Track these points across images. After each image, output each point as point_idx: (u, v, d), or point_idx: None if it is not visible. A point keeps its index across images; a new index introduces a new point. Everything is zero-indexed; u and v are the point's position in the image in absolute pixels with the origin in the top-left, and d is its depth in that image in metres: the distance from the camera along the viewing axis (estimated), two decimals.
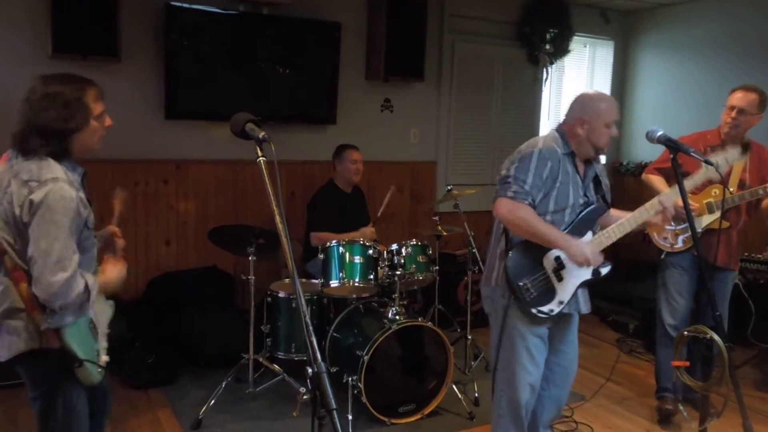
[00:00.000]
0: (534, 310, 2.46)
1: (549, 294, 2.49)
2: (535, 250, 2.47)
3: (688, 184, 2.69)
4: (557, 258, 2.50)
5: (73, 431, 2.05)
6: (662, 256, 3.51)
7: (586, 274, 2.54)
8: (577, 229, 2.51)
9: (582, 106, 2.51)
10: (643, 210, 2.57)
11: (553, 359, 2.67)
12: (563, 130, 2.55)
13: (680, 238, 3.45)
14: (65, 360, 1.92)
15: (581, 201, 2.54)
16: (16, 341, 1.92)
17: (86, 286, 1.91)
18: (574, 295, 2.55)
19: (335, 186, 4.24)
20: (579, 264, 2.44)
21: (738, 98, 3.33)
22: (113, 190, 2.42)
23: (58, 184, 1.85)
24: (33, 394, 2.03)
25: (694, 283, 3.46)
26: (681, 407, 3.50)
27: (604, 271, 2.56)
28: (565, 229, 2.49)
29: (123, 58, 4.01)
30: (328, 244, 3.53)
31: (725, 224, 3.24)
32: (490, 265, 2.62)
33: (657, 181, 3.47)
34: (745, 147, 2.79)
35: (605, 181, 2.67)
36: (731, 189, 3.29)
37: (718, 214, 3.26)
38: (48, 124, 1.89)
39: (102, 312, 2.16)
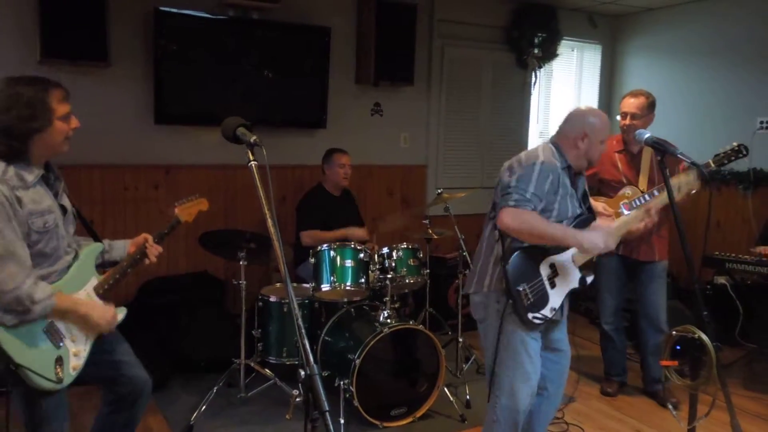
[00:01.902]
0: (530, 316, 2.48)
1: (543, 300, 2.53)
2: (533, 256, 2.50)
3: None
4: (552, 265, 2.55)
5: (44, 428, 2.04)
6: (593, 260, 3.65)
7: (574, 282, 2.61)
8: None
9: (582, 121, 2.55)
10: (630, 219, 2.69)
11: (547, 360, 2.69)
12: (559, 144, 2.58)
13: None
14: (5, 362, 1.91)
15: (578, 212, 2.59)
16: None
17: (35, 298, 1.89)
18: (563, 302, 2.61)
19: (323, 189, 4.26)
20: (596, 252, 2.47)
21: (628, 104, 3.60)
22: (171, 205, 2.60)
23: None
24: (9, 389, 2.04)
25: (620, 280, 3.80)
26: (669, 407, 3.59)
27: (589, 280, 2.65)
28: None
29: (112, 63, 4.00)
30: (319, 248, 3.54)
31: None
32: (482, 272, 2.62)
33: None
34: (703, 177, 2.95)
35: (588, 193, 2.73)
36: (641, 188, 3.56)
37: (633, 214, 3.40)
38: (9, 124, 1.93)
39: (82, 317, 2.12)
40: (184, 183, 4.45)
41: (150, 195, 4.34)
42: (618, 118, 3.68)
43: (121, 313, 2.26)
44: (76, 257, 2.19)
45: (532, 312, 2.49)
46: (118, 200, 4.21)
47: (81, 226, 2.32)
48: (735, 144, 3.32)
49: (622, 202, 3.58)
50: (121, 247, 2.37)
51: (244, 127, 1.82)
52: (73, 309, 2.07)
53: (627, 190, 3.61)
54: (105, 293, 2.25)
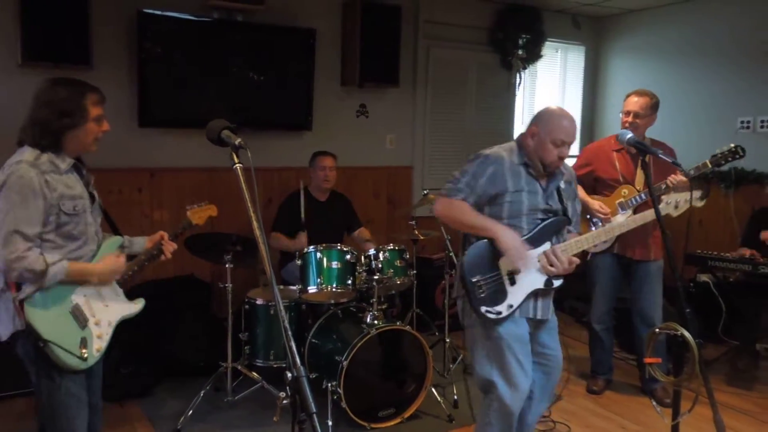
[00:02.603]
0: (483, 309, 2.46)
1: (500, 296, 2.50)
2: (492, 250, 2.48)
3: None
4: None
5: (60, 415, 2.14)
6: (588, 258, 3.80)
7: (538, 282, 2.55)
8: (536, 238, 2.53)
9: (537, 117, 2.57)
10: (590, 237, 2.63)
11: (538, 359, 2.68)
12: (521, 140, 2.61)
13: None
14: (33, 338, 2.03)
15: (542, 208, 2.56)
16: (6, 321, 2.08)
17: (44, 265, 2.02)
18: (526, 300, 2.55)
19: (307, 192, 4.23)
20: (508, 254, 2.43)
21: (633, 103, 3.59)
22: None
23: (19, 165, 2.05)
24: (31, 378, 2.14)
25: (614, 280, 3.81)
26: (653, 402, 3.64)
27: (557, 283, 2.57)
28: (523, 237, 2.50)
29: (95, 66, 3.96)
30: (306, 250, 3.53)
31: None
32: (459, 275, 2.60)
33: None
34: (705, 193, 3.17)
35: (571, 196, 2.69)
36: (638, 187, 3.58)
37: (629, 212, 3.53)
38: (47, 119, 2.11)
39: (104, 302, 2.26)
40: (169, 186, 4.43)
41: (134, 198, 4.31)
42: (620, 116, 3.66)
43: (139, 304, 2.43)
44: (99, 246, 2.31)
45: (486, 306, 2.46)
46: (103, 204, 4.17)
47: (105, 222, 2.47)
48: (732, 145, 3.36)
49: (617, 201, 3.59)
50: (141, 243, 2.53)
51: (228, 130, 1.81)
52: (86, 272, 2.19)
53: (623, 190, 3.61)
54: (123, 283, 2.40)
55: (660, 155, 2.40)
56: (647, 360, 2.26)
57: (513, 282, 2.52)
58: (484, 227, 2.47)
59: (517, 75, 5.82)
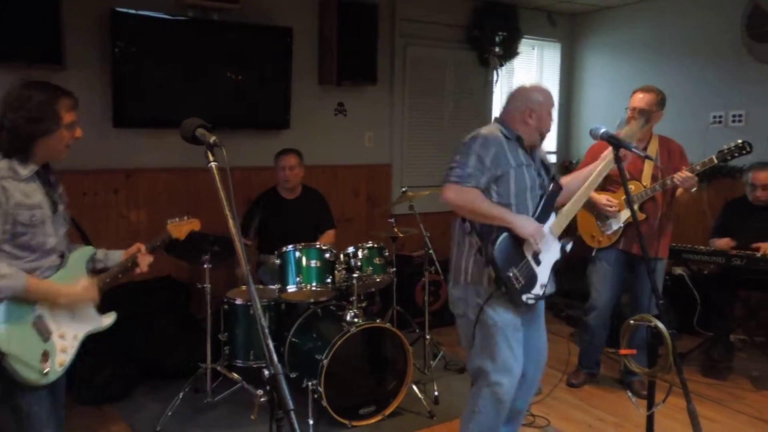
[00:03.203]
0: (524, 297, 2.51)
1: (533, 279, 2.56)
2: (515, 239, 2.51)
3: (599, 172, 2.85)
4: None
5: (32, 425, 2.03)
6: (593, 253, 3.80)
7: (556, 253, 2.65)
8: (542, 214, 2.59)
9: (526, 98, 2.62)
10: (595, 178, 2.70)
11: (527, 345, 2.70)
12: (504, 120, 2.64)
13: (607, 233, 3.71)
14: None
15: (538, 183, 2.62)
16: None
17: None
18: (550, 276, 2.65)
19: (275, 192, 4.21)
20: (526, 237, 2.50)
21: (639, 99, 3.60)
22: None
23: None
24: None
25: (618, 276, 3.76)
26: (629, 393, 3.68)
27: (569, 247, 2.67)
28: (532, 215, 2.56)
29: (68, 66, 3.91)
30: (284, 249, 3.52)
31: (641, 216, 3.52)
32: (457, 265, 2.63)
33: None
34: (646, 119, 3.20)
35: (549, 162, 2.78)
36: (644, 183, 3.57)
37: (635, 207, 3.47)
38: (17, 124, 2.00)
39: (71, 313, 2.15)
40: (145, 187, 4.39)
41: (109, 200, 4.26)
42: (626, 111, 3.66)
43: (109, 318, 2.31)
44: (66, 260, 2.19)
45: (525, 294, 2.52)
46: (77, 206, 4.06)
47: (76, 233, 2.38)
48: (740, 141, 3.39)
49: (624, 197, 3.58)
50: (117, 257, 2.39)
51: (203, 128, 1.80)
52: (51, 292, 2.07)
53: (630, 186, 3.59)
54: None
55: (633, 149, 2.43)
56: (622, 351, 2.29)
57: (538, 262, 2.59)
58: (500, 217, 2.47)
59: (494, 72, 5.86)
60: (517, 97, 2.65)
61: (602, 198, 3.60)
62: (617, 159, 2.44)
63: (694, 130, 5.18)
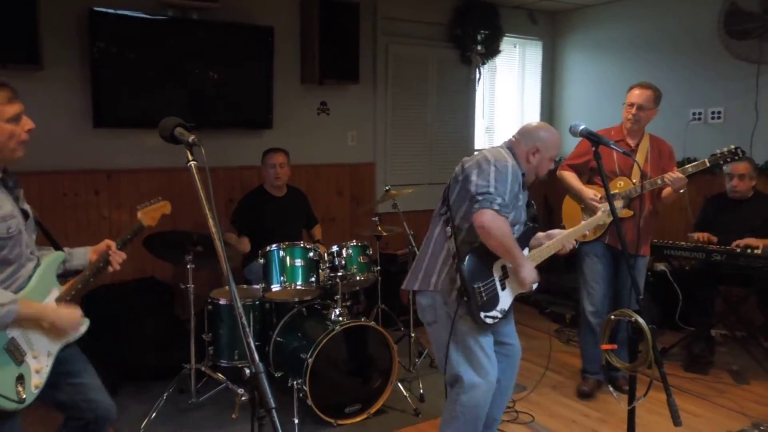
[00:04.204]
0: (482, 315, 2.49)
1: (494, 300, 2.54)
2: (487, 256, 2.51)
3: (582, 227, 2.92)
4: (503, 267, 2.58)
5: None
6: (576, 246, 3.74)
7: (523, 287, 2.64)
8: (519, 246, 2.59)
9: (535, 136, 2.61)
10: (556, 242, 2.73)
11: (499, 352, 2.72)
12: (515, 151, 2.62)
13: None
14: None
15: (524, 219, 2.65)
16: None
17: None
18: (510, 305, 2.64)
19: (263, 190, 4.23)
20: (524, 283, 2.53)
21: (636, 95, 3.60)
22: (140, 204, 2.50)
23: None
24: None
25: (607, 269, 3.71)
26: (611, 388, 3.70)
27: (535, 286, 2.62)
28: None
29: (46, 66, 3.87)
30: (268, 248, 3.51)
31: (628, 213, 3.53)
32: (429, 269, 2.60)
33: (570, 177, 3.74)
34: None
35: (532, 203, 2.78)
36: (634, 180, 3.58)
37: (619, 205, 3.54)
38: None
39: (43, 331, 2.04)
40: (127, 187, 4.36)
41: (91, 201, 4.22)
42: (623, 107, 3.67)
43: (84, 325, 2.18)
44: (37, 266, 2.09)
45: (485, 311, 2.50)
46: (58, 207, 4.08)
47: (41, 234, 2.22)
48: (732, 146, 3.42)
49: (612, 192, 3.57)
50: (82, 255, 2.26)
51: (182, 127, 1.79)
52: (40, 316, 1.99)
53: (619, 181, 3.61)
54: (67, 303, 2.15)
55: (612, 146, 2.45)
56: (604, 347, 2.31)
57: (503, 287, 2.58)
58: (515, 259, 2.47)
59: (477, 70, 5.88)
60: (525, 132, 2.64)
61: (589, 192, 3.62)
62: (596, 156, 2.46)
63: (674, 126, 5.24)
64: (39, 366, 2.00)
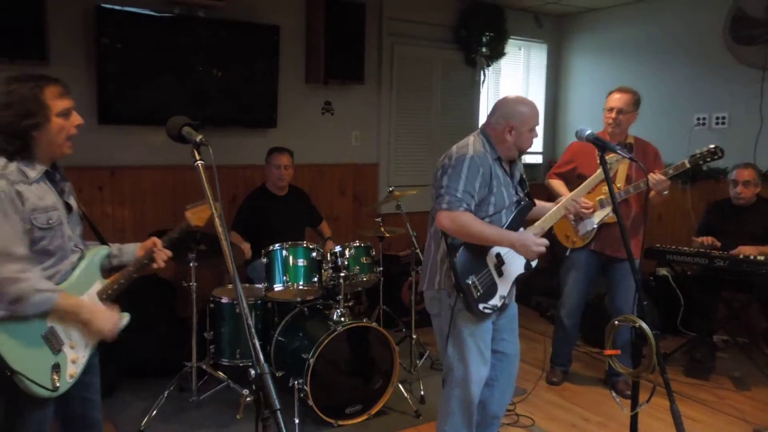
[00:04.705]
0: (480, 307, 2.52)
1: (492, 290, 2.57)
2: (478, 249, 2.54)
3: (586, 186, 2.97)
4: (498, 255, 2.60)
5: None
6: (567, 253, 3.88)
7: (520, 268, 2.67)
8: (512, 227, 2.60)
9: (508, 112, 2.58)
10: (559, 208, 2.77)
11: (497, 349, 2.74)
12: (488, 134, 2.60)
13: (581, 234, 3.78)
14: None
15: (514, 200, 2.64)
16: None
17: (32, 290, 1.84)
18: (511, 288, 2.68)
19: (266, 190, 4.23)
20: (530, 256, 2.51)
21: (616, 99, 3.67)
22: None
23: None
24: None
25: (589, 276, 3.85)
26: (613, 393, 3.72)
27: (534, 263, 2.69)
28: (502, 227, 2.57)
29: (52, 62, 3.87)
30: (271, 247, 3.51)
31: (613, 218, 3.55)
32: (432, 271, 2.64)
33: (557, 185, 3.82)
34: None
35: (525, 177, 2.78)
36: (618, 185, 3.63)
37: (608, 209, 3.59)
38: (8, 122, 1.90)
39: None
40: (131, 184, 4.36)
41: (95, 197, 4.22)
42: (604, 113, 3.71)
43: (124, 318, 2.19)
44: (81, 259, 2.11)
45: (482, 303, 2.52)
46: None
47: (88, 229, 2.25)
48: (712, 146, 3.42)
49: (598, 198, 3.63)
50: (131, 251, 2.28)
51: (189, 127, 1.79)
52: (76, 311, 2.00)
53: (604, 187, 3.59)
54: (109, 298, 2.17)
55: (618, 151, 2.44)
56: (607, 352, 2.31)
57: (500, 274, 2.60)
58: (498, 240, 2.48)
59: (481, 72, 5.88)
60: (499, 109, 2.61)
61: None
62: (602, 161, 2.45)
63: (678, 131, 5.24)
64: (76, 356, 2.03)
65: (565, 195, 3.58)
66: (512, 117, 2.56)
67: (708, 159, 3.41)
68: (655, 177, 3.42)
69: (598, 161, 3.55)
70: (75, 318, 2.01)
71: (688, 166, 3.43)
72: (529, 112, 2.58)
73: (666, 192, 3.50)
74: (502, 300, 2.61)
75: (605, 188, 3.60)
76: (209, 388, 3.59)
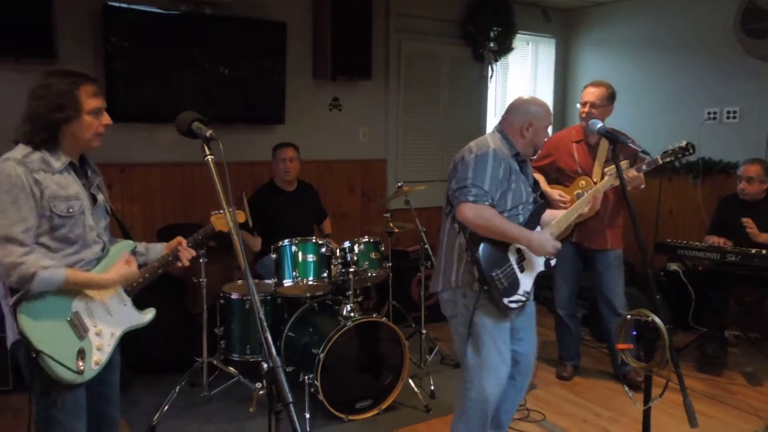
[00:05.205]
0: (506, 301, 2.52)
1: (515, 285, 2.57)
2: (500, 243, 2.54)
3: (604, 183, 2.96)
4: (518, 250, 2.60)
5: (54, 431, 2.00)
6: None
7: (541, 266, 2.67)
8: (529, 225, 2.61)
9: (526, 111, 2.61)
10: (577, 205, 2.77)
11: (515, 348, 2.72)
12: (505, 132, 2.62)
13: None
14: (26, 348, 1.90)
15: (531, 199, 2.65)
16: (11, 327, 1.95)
17: (36, 268, 1.88)
18: (532, 285, 2.67)
19: (273, 185, 4.23)
20: (545, 254, 2.55)
21: (589, 93, 3.68)
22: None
23: (6, 163, 1.91)
24: (28, 389, 2.00)
25: (575, 267, 3.91)
26: (626, 388, 3.71)
27: (553, 262, 2.70)
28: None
29: (60, 60, 3.88)
30: (280, 243, 3.52)
31: (593, 210, 3.49)
32: (447, 269, 2.63)
33: (538, 179, 3.76)
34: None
35: (534, 177, 2.81)
36: (594, 179, 3.65)
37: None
38: (39, 113, 1.96)
39: (108, 311, 2.11)
40: (140, 181, 4.37)
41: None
42: (578, 107, 3.75)
43: (149, 314, 2.27)
44: (105, 251, 2.15)
45: (507, 297, 2.53)
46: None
47: (115, 226, 2.29)
48: (684, 142, 3.41)
49: (576, 192, 3.67)
50: (159, 250, 2.34)
51: (199, 122, 1.79)
52: (87, 283, 2.04)
53: (581, 181, 3.70)
54: (133, 290, 2.23)
55: (630, 144, 2.43)
56: (619, 346, 2.30)
57: (522, 269, 2.61)
58: (517, 237, 2.50)
59: (489, 67, 5.86)
60: (516, 108, 2.64)
61: (555, 193, 3.65)
62: (614, 156, 2.44)
63: (689, 126, 5.20)
64: (101, 343, 2.07)
65: (546, 188, 3.66)
66: (530, 114, 2.59)
67: (680, 155, 3.38)
68: (629, 174, 3.40)
69: (575, 155, 3.66)
70: (98, 285, 2.06)
71: (660, 162, 3.42)
72: (543, 111, 2.63)
73: (642, 186, 3.49)
74: (526, 296, 2.62)
75: (582, 182, 3.69)
76: (220, 384, 3.60)
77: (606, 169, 3.50)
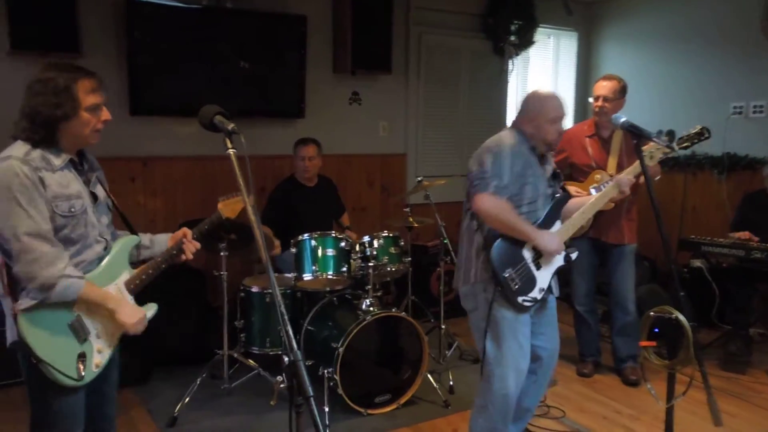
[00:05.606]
0: (520, 299, 2.52)
1: (531, 282, 2.57)
2: (515, 241, 2.54)
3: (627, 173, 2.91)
4: (534, 247, 2.59)
5: (56, 424, 1.99)
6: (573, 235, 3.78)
7: (559, 261, 2.66)
8: (549, 219, 2.62)
9: (527, 105, 2.62)
10: (602, 195, 2.74)
11: (536, 343, 2.72)
12: (520, 127, 2.63)
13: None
14: (26, 353, 1.88)
15: (549, 192, 2.65)
16: (10, 326, 1.92)
17: (51, 273, 1.85)
18: (551, 280, 2.67)
19: (294, 180, 4.24)
20: (550, 254, 2.57)
21: (601, 87, 3.66)
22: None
23: (8, 161, 1.85)
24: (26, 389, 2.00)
25: (592, 263, 3.89)
26: (648, 386, 3.64)
27: (574, 256, 2.69)
28: (538, 221, 2.59)
29: (84, 54, 3.92)
30: (300, 237, 3.53)
31: (610, 205, 3.41)
32: (467, 265, 2.65)
33: None
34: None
35: (558, 171, 2.79)
36: (610, 173, 3.61)
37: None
38: (36, 110, 1.89)
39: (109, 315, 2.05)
40: (162, 174, 4.41)
41: (127, 188, 4.28)
42: (590, 101, 3.73)
43: (151, 310, 2.19)
44: (108, 249, 2.11)
45: (521, 296, 2.53)
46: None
47: (118, 219, 2.25)
48: (698, 127, 3.35)
49: (591, 186, 3.64)
50: (163, 242, 2.27)
51: (221, 116, 1.80)
52: (101, 301, 2.00)
53: (596, 175, 3.67)
54: (137, 288, 2.16)
55: (654, 139, 2.40)
56: (642, 343, 2.27)
57: (539, 266, 2.60)
58: (526, 233, 2.50)
59: (510, 61, 5.80)
60: (524, 102, 2.66)
61: (571, 189, 3.60)
62: (638, 150, 2.41)
63: (714, 120, 5.10)
64: (101, 346, 2.03)
65: (619, 176, 3.55)
66: (530, 109, 2.60)
67: (695, 140, 3.31)
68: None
69: (588, 149, 3.62)
70: (100, 308, 2.01)
71: (677, 149, 3.36)
72: (547, 104, 2.58)
73: (658, 177, 3.46)
74: (542, 293, 2.61)
75: (597, 176, 3.67)
76: (240, 376, 3.62)
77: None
